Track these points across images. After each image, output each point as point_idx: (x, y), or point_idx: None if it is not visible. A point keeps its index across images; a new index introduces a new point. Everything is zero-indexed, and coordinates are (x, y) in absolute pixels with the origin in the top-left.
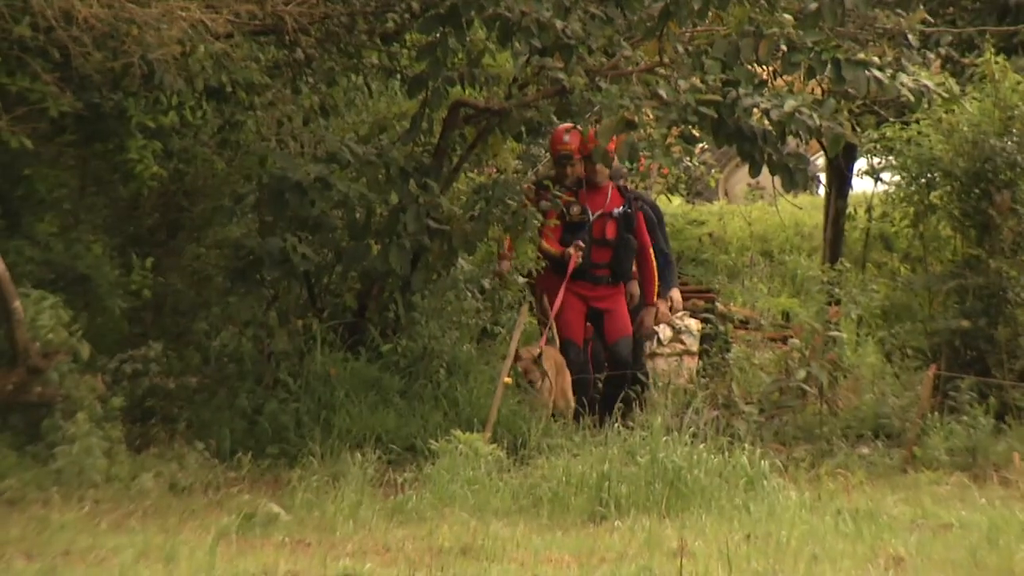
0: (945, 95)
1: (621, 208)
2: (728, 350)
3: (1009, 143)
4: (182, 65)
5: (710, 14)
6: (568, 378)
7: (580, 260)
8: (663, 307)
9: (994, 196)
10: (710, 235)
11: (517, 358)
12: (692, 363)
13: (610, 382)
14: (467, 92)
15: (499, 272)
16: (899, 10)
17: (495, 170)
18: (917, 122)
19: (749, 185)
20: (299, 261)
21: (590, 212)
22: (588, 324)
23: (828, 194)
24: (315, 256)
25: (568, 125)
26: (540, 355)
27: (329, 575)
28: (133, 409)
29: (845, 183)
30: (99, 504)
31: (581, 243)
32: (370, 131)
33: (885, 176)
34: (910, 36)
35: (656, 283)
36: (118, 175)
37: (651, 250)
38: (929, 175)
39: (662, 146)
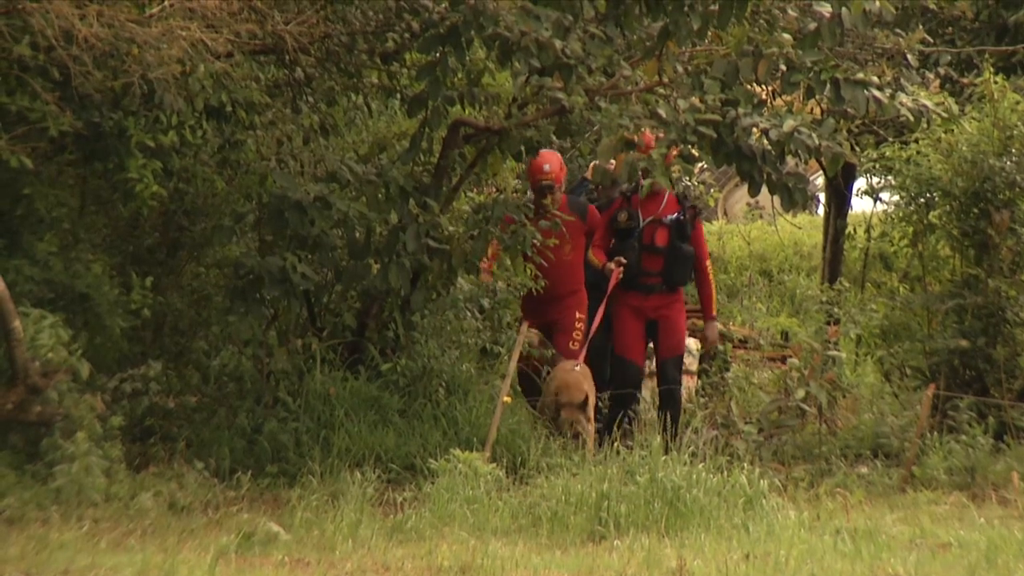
0: (944, 115)
1: (675, 215)
2: (727, 369)
3: (1008, 163)
4: (182, 84)
5: (709, 34)
6: (594, 395)
7: (621, 276)
8: (712, 330)
9: (993, 216)
10: (709, 254)
11: (560, 407)
12: (691, 382)
13: (617, 400)
14: (467, 111)
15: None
16: (898, 30)
17: (495, 189)
18: (916, 142)
19: (748, 204)
20: (299, 280)
21: (640, 218)
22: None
23: (827, 214)
24: (315, 275)
25: (548, 152)
26: (585, 401)
27: None
28: (132, 428)
29: (844, 203)
30: (98, 523)
31: (623, 259)
32: (370, 150)
33: (884, 196)
34: (909, 56)
35: (714, 296)
36: (118, 194)
37: (708, 261)
38: (928, 195)
39: (661, 166)
